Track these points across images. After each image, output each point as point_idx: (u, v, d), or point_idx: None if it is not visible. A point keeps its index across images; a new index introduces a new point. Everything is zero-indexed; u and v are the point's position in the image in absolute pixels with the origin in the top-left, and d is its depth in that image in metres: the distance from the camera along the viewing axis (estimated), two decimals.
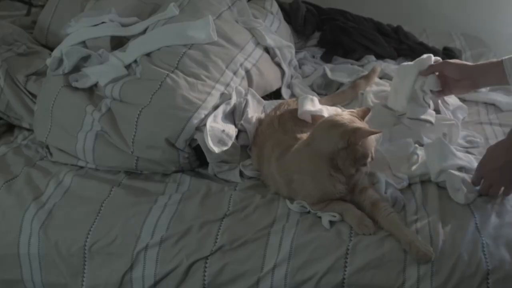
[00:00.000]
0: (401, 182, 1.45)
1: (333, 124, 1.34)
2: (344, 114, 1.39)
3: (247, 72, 1.75)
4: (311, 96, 1.62)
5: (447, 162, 1.44)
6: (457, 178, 1.40)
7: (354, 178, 1.36)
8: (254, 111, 1.65)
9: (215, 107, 1.58)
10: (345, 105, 1.78)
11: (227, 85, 1.65)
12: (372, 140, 1.36)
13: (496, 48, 2.41)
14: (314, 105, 1.57)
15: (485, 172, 1.39)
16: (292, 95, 1.90)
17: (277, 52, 1.91)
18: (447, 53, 2.24)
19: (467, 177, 1.42)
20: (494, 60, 1.57)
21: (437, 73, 1.63)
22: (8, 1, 2.31)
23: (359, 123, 1.36)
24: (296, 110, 1.57)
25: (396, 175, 1.47)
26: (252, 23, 1.88)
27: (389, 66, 2.08)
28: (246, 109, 1.62)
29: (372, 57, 2.19)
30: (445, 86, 1.64)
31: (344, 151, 1.31)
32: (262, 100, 1.73)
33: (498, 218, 1.34)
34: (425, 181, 1.46)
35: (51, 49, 1.85)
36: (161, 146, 1.51)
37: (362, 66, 2.11)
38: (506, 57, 1.51)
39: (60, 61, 1.69)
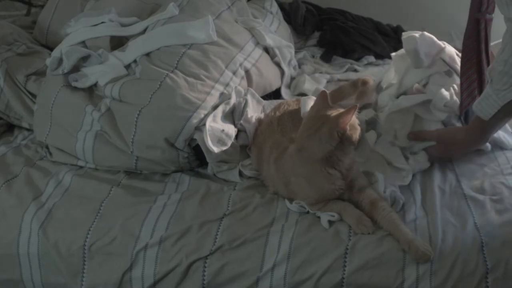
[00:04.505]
0: (406, 176, 1.45)
1: (315, 129, 1.32)
2: (316, 111, 1.35)
3: (247, 72, 1.75)
4: (313, 97, 1.62)
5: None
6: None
7: (352, 170, 1.36)
8: (254, 111, 1.65)
9: (215, 107, 1.58)
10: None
11: (227, 85, 1.65)
12: (353, 117, 1.33)
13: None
14: None
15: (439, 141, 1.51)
16: (296, 94, 1.90)
17: (277, 52, 1.91)
18: None
19: None
20: None
21: None
22: (8, 1, 2.31)
23: (333, 110, 1.33)
24: (296, 110, 1.57)
25: (400, 167, 1.47)
26: (251, 23, 1.88)
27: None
28: (246, 109, 1.61)
29: (372, 58, 2.19)
30: None
31: (339, 144, 1.30)
32: (262, 100, 1.73)
33: (497, 216, 1.34)
34: (424, 181, 1.46)
35: (51, 49, 1.85)
36: (160, 146, 1.51)
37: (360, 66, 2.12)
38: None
39: (60, 61, 1.69)
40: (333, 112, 1.32)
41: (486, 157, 1.56)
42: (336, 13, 2.48)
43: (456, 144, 1.50)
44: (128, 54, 1.69)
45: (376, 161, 1.48)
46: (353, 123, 1.33)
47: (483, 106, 1.35)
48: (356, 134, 1.32)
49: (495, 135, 1.56)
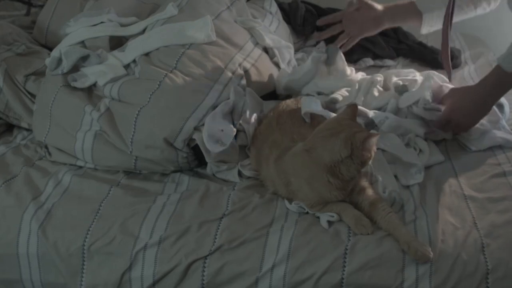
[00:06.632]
0: (418, 173, 1.45)
1: (333, 132, 1.31)
2: (341, 119, 1.36)
3: (246, 72, 1.74)
4: (315, 98, 1.62)
5: None
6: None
7: (351, 183, 1.35)
8: (253, 111, 1.65)
9: (214, 107, 1.58)
10: None
11: (226, 85, 1.65)
12: (373, 141, 1.35)
13: (495, 48, 2.40)
14: (317, 106, 1.57)
15: (453, 117, 1.55)
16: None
17: (276, 52, 1.91)
18: None
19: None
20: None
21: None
22: (7, 1, 2.31)
23: (357, 127, 1.34)
24: (295, 110, 1.57)
25: (411, 162, 1.48)
26: (251, 23, 1.88)
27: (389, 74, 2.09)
28: (245, 109, 1.61)
29: (370, 60, 2.20)
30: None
31: (348, 158, 1.29)
32: (261, 100, 1.73)
33: (498, 217, 1.34)
34: (423, 181, 1.46)
35: (50, 49, 1.85)
36: (159, 146, 1.50)
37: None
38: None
39: (59, 61, 1.69)
40: (358, 128, 1.33)
41: (485, 156, 1.56)
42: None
43: (470, 104, 1.53)
44: (127, 54, 1.69)
45: (377, 162, 1.47)
46: (370, 148, 1.31)
47: (510, 59, 1.43)
48: (368, 159, 1.31)
49: (494, 135, 1.57)
